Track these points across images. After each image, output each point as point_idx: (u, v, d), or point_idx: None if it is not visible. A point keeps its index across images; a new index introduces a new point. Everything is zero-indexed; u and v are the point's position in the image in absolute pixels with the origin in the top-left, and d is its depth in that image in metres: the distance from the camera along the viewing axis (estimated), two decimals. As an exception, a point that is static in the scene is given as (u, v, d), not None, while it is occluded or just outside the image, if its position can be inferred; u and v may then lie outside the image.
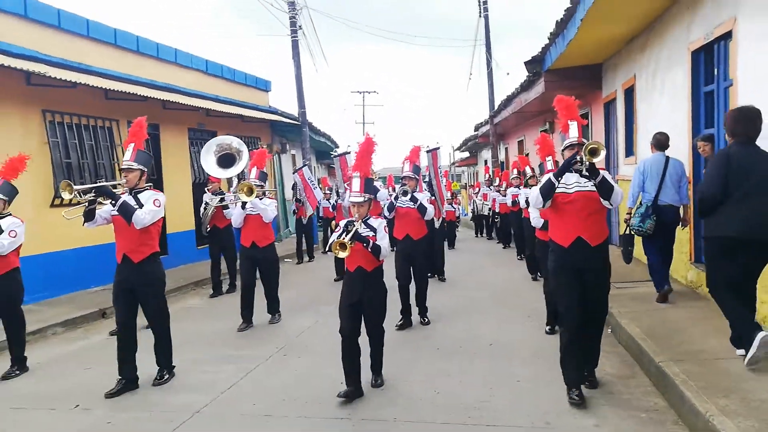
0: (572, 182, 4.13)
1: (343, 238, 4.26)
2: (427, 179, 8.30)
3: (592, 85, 11.20)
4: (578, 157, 3.96)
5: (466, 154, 32.82)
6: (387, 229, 4.67)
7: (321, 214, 13.58)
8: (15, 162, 5.47)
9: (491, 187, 16.21)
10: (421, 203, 6.46)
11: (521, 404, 4.17)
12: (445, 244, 11.27)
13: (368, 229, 4.51)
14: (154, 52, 11.39)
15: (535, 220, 5.41)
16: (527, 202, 5.63)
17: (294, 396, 4.54)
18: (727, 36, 5.89)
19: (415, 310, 6.71)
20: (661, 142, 6.35)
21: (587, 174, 3.99)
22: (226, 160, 8.19)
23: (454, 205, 15.68)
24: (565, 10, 8.30)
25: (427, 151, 7.82)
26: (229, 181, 8.98)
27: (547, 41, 10.01)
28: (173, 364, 5.16)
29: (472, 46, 24.75)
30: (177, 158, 11.95)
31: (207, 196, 8.99)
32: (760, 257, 4.15)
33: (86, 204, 4.68)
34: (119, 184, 4.95)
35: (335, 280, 9.58)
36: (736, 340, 4.33)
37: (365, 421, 4.01)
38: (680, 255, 6.79)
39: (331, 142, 20.69)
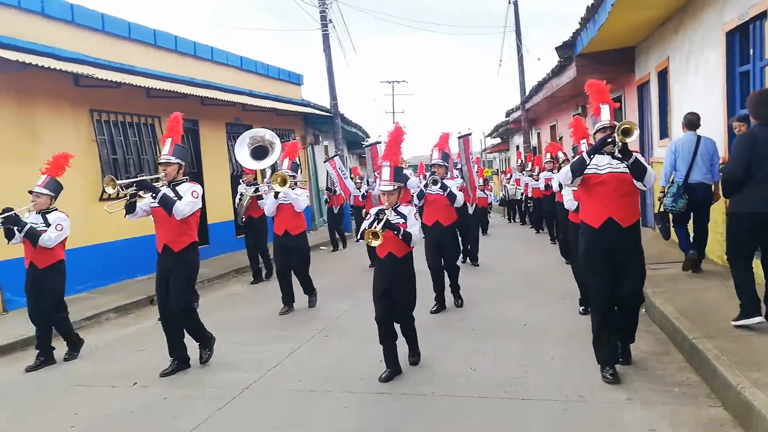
0: (604, 164, 4.13)
1: (375, 227, 4.35)
2: (458, 166, 8.38)
3: (624, 68, 11.06)
4: (612, 138, 3.95)
5: (498, 140, 32.60)
6: (417, 216, 4.74)
7: (352, 203, 13.82)
8: (60, 159, 5.68)
9: (524, 172, 16.18)
10: (450, 191, 6.47)
11: (555, 380, 4.31)
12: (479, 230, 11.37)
13: (398, 217, 4.59)
14: (191, 50, 11.78)
15: (569, 203, 5.40)
16: (560, 185, 5.68)
17: (336, 373, 4.79)
18: (762, 16, 5.85)
19: (449, 295, 6.84)
20: (692, 121, 6.39)
21: (620, 156, 4.00)
22: (260, 152, 8.32)
23: (486, 191, 15.73)
24: (595, -5, 8.27)
25: (459, 138, 7.89)
26: (263, 172, 9.20)
27: (578, 26, 9.95)
28: (212, 336, 5.33)
29: (502, 33, 24.52)
30: (215, 152, 12.35)
31: (242, 187, 9.29)
32: None
33: (128, 197, 4.88)
34: (159, 178, 5.13)
35: (370, 266, 9.81)
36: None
37: (405, 396, 4.22)
38: (715, 235, 6.78)
39: (362, 132, 20.87)
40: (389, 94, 47.72)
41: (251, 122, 13.12)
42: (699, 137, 6.29)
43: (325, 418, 3.96)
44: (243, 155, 8.43)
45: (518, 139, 23.11)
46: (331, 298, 7.67)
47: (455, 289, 6.87)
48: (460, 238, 8.00)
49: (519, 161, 18.70)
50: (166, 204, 4.83)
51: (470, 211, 9.53)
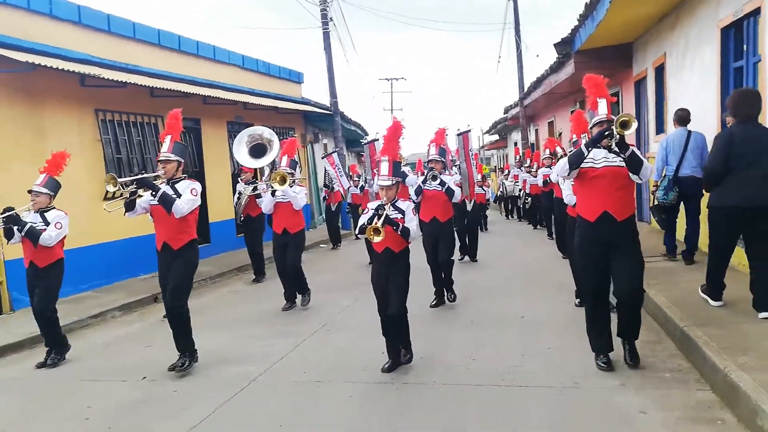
0: (600, 157, 4.17)
1: (376, 223, 4.37)
2: (457, 163, 8.47)
3: (622, 64, 11.19)
4: (610, 130, 3.98)
5: (495, 137, 32.71)
6: (415, 211, 4.77)
7: (349, 200, 13.91)
8: (58, 159, 5.65)
9: (522, 168, 16.30)
10: (449, 186, 6.53)
11: (552, 368, 4.47)
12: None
13: (397, 212, 4.59)
14: (194, 50, 11.91)
15: (568, 197, 5.44)
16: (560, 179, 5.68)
17: (340, 365, 4.93)
18: (757, 12, 5.97)
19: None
20: (682, 117, 6.60)
21: (616, 149, 4.02)
22: (258, 150, 8.32)
23: (484, 188, 15.85)
24: (593, -8, 8.38)
25: (458, 135, 7.96)
26: (261, 170, 9.17)
27: (577, 23, 10.08)
28: (195, 349, 5.13)
29: (501, 30, 24.59)
30: (217, 150, 12.47)
31: (240, 186, 9.30)
32: (760, 225, 4.60)
33: (127, 195, 4.86)
34: (158, 176, 5.07)
35: (369, 264, 9.91)
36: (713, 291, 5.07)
37: (407, 385, 4.37)
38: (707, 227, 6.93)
39: (361, 130, 20.99)
40: (388, 91, 47.93)
41: (252, 120, 13.22)
42: (689, 132, 6.50)
43: (331, 408, 4.10)
44: (241, 153, 8.39)
45: (516, 136, 23.24)
46: (332, 294, 7.80)
47: (449, 284, 6.84)
48: (456, 235, 8.08)
49: (517, 157, 18.82)
50: (166, 202, 4.83)
51: (468, 208, 9.64)
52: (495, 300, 6.97)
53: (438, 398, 4.12)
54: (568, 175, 4.29)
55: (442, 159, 6.85)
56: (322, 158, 12.92)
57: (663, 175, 6.64)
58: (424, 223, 6.75)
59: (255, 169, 9.20)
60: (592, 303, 4.35)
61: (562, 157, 8.23)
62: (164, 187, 4.90)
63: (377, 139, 8.62)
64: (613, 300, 4.40)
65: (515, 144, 23.28)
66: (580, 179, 4.31)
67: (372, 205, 4.71)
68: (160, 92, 9.84)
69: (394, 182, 4.69)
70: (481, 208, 14.44)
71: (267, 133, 8.49)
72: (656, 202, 6.72)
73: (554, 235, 10.62)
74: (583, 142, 5.21)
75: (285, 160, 7.29)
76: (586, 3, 8.97)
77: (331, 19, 16.24)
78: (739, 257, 5.57)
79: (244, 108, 12.94)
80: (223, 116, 12.63)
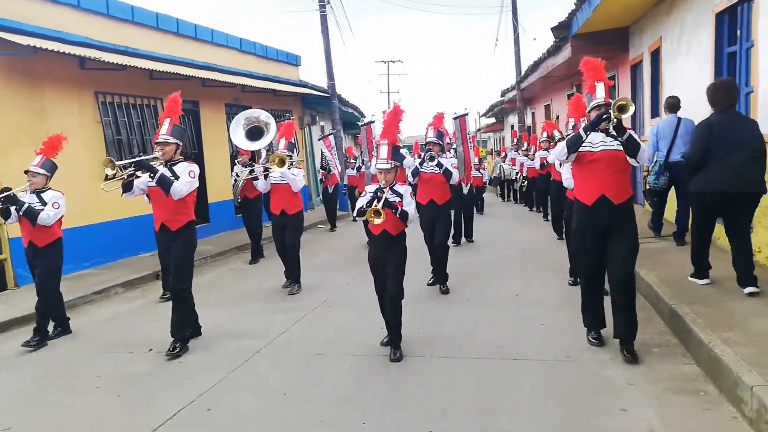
0: (598, 141, 4.17)
1: (376, 205, 4.38)
2: (454, 146, 8.55)
3: (619, 48, 11.26)
4: (608, 114, 3.98)
5: (492, 120, 32.77)
6: (413, 194, 4.83)
7: (346, 182, 13.99)
8: (54, 141, 5.70)
9: (519, 151, 16.41)
10: (446, 168, 6.58)
11: (545, 343, 4.65)
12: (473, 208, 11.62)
13: (395, 195, 4.61)
14: (192, 33, 11.90)
15: (567, 180, 5.45)
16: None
17: (340, 339, 5.10)
18: (751, -3, 6.06)
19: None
20: (673, 104, 6.78)
21: (614, 133, 4.03)
22: (255, 132, 8.37)
23: (480, 170, 15.97)
24: (590, -24, 8.43)
25: (454, 118, 8.01)
26: (258, 152, 9.14)
27: (574, 7, 10.14)
28: (192, 331, 5.21)
29: (498, 13, 24.52)
30: (215, 132, 12.52)
31: (237, 168, 9.34)
32: (739, 209, 4.86)
33: (125, 177, 4.94)
34: (156, 158, 5.08)
35: (367, 244, 10.03)
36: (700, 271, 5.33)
37: (406, 357, 4.54)
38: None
39: (359, 112, 21.00)
40: (384, 74, 47.64)
41: (250, 103, 13.27)
42: (679, 119, 6.69)
43: (332, 378, 4.27)
44: (238, 136, 8.43)
45: (513, 119, 23.31)
46: (330, 274, 7.96)
47: (442, 270, 6.71)
48: (453, 219, 8.16)
49: (514, 140, 18.90)
50: (164, 184, 4.87)
51: (465, 191, 9.76)
52: (491, 280, 7.14)
53: (436, 369, 4.29)
54: (567, 158, 4.29)
55: (440, 142, 6.91)
56: (319, 140, 12.97)
57: (654, 160, 6.83)
58: (422, 206, 6.72)
59: (252, 152, 9.25)
60: (588, 284, 4.48)
61: (559, 139, 8.36)
62: (162, 169, 4.95)
63: (373, 121, 8.71)
64: (606, 287, 4.45)
65: (512, 127, 23.36)
66: (577, 163, 4.33)
67: (370, 188, 4.76)
68: (159, 75, 9.86)
69: (393, 166, 4.73)
70: (478, 191, 14.59)
71: (264, 116, 8.52)
72: (648, 187, 6.96)
73: (549, 217, 10.79)
74: (582, 125, 5.34)
75: (283, 143, 7.31)
76: (584, -13, 9.03)
77: (328, 2, 16.18)
78: (717, 233, 5.75)
79: (242, 90, 12.98)
80: (221, 98, 12.66)
